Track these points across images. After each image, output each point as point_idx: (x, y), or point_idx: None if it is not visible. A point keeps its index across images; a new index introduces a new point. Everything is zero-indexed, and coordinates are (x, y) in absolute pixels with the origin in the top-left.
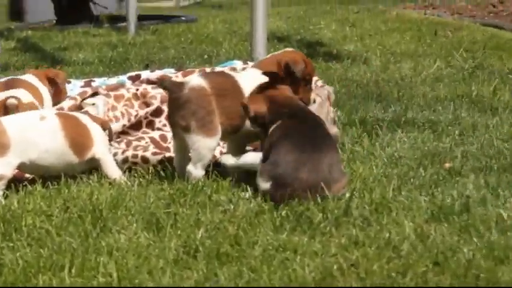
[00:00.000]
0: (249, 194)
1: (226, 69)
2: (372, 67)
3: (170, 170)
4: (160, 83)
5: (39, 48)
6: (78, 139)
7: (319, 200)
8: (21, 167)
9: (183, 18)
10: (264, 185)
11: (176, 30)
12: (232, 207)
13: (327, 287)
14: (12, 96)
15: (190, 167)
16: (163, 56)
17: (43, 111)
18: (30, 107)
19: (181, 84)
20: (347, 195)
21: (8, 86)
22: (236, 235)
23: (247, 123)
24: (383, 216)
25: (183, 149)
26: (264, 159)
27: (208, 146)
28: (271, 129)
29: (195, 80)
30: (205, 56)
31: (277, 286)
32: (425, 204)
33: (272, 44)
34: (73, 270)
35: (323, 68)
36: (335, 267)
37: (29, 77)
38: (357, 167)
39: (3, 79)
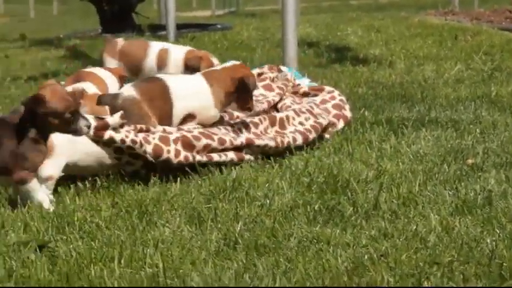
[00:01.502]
0: None
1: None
2: (396, 70)
3: (211, 167)
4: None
5: (87, 55)
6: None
7: (349, 194)
8: (64, 167)
9: (219, 26)
10: None
11: (213, 38)
12: (268, 201)
13: (359, 276)
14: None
15: None
16: None
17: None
18: (94, 99)
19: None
20: (376, 190)
21: (77, 78)
22: (273, 228)
23: None
24: (410, 209)
25: None
26: None
27: None
28: None
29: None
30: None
31: (311, 275)
32: (449, 198)
33: (302, 49)
34: (122, 261)
35: (350, 71)
36: (366, 257)
37: (97, 70)
38: (384, 163)
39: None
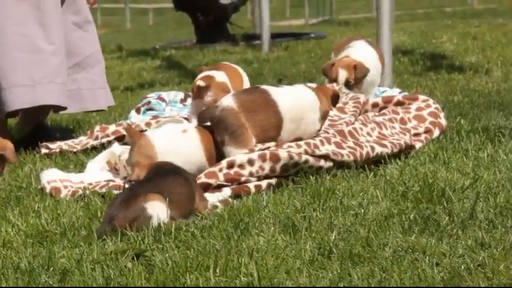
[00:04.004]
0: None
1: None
2: (493, 77)
3: (305, 176)
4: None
5: (182, 66)
6: (213, 152)
7: (445, 203)
8: None
9: (312, 35)
10: None
11: (306, 46)
12: (362, 210)
13: (456, 286)
14: (204, 78)
15: None
16: (295, 70)
17: (185, 125)
18: (222, 87)
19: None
20: (472, 199)
21: (214, 67)
22: (367, 237)
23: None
24: (508, 219)
25: None
26: None
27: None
28: None
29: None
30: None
31: (407, 285)
32: None
33: (396, 57)
34: (217, 270)
35: (446, 79)
36: (462, 267)
37: (237, 66)
38: (481, 172)
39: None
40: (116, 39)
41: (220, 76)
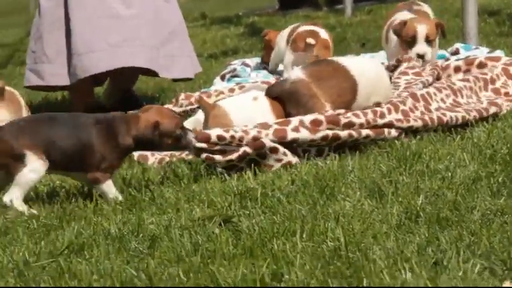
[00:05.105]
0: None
1: None
2: None
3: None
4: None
5: None
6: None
7: None
8: None
9: None
10: None
11: (390, 10)
12: (449, 174)
13: None
14: (311, 33)
15: None
16: (378, 34)
17: (255, 93)
18: (325, 45)
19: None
20: None
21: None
22: (455, 201)
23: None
24: None
25: None
26: None
27: None
28: None
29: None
30: None
31: (497, 248)
32: None
33: (482, 18)
34: (304, 235)
35: None
36: None
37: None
38: None
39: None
40: (199, 7)
41: (323, 33)
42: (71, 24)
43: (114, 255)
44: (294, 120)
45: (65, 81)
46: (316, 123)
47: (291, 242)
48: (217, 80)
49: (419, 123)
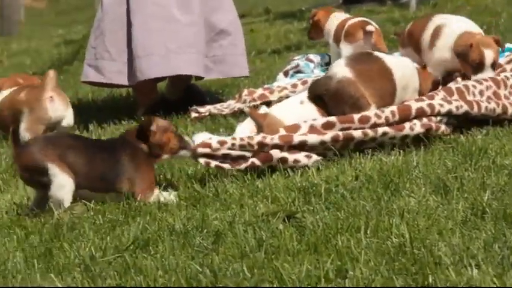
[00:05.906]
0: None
1: None
2: None
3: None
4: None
5: None
6: None
7: None
8: None
9: None
10: None
11: (456, 3)
12: None
13: None
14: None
15: None
16: None
17: (302, 97)
18: (379, 32)
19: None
20: None
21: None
22: None
23: None
24: None
25: None
26: None
27: None
28: None
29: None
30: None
31: None
32: None
33: None
34: (368, 231)
35: None
36: None
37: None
38: None
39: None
40: (263, 2)
41: (372, 22)
42: (131, 25)
43: (179, 251)
44: (304, 126)
45: (125, 80)
46: (327, 126)
47: (355, 238)
48: (280, 76)
49: (446, 107)
